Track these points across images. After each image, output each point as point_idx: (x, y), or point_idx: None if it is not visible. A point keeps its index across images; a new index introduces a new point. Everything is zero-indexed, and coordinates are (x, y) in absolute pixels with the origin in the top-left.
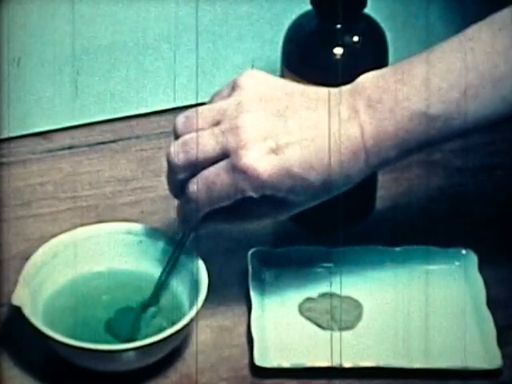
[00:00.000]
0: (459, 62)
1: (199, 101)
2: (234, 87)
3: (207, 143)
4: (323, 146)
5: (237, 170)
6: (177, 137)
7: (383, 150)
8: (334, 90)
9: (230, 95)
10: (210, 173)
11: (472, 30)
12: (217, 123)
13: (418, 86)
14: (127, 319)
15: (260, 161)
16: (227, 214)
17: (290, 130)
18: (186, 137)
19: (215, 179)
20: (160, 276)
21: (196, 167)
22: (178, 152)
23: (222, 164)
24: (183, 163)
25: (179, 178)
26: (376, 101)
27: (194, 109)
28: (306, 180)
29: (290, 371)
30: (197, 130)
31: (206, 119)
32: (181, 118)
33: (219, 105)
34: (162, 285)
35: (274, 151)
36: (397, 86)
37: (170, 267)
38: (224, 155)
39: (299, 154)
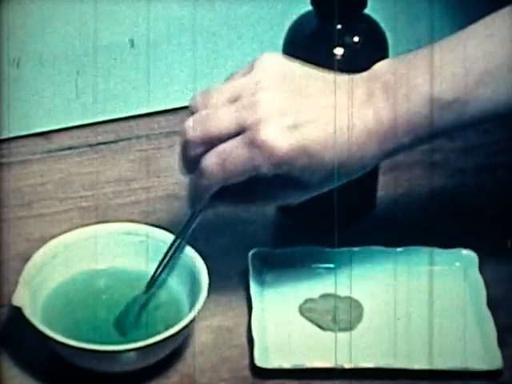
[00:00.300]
0: (475, 49)
1: None
2: (252, 67)
3: (225, 118)
4: (339, 128)
5: (254, 144)
6: (193, 113)
7: (398, 135)
8: (351, 76)
9: (247, 74)
10: (226, 147)
11: (490, 18)
12: (235, 100)
13: (433, 72)
14: (132, 314)
15: (277, 136)
16: (237, 194)
17: (308, 109)
18: (204, 112)
19: (231, 153)
20: (161, 260)
21: (212, 142)
22: (194, 126)
23: (238, 138)
24: (199, 138)
25: (194, 153)
26: (392, 86)
27: (211, 86)
28: (321, 159)
29: (291, 372)
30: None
31: (223, 96)
32: (198, 94)
33: (237, 82)
34: (161, 272)
35: (292, 128)
36: (412, 72)
37: (174, 252)
38: (241, 131)
39: (316, 133)
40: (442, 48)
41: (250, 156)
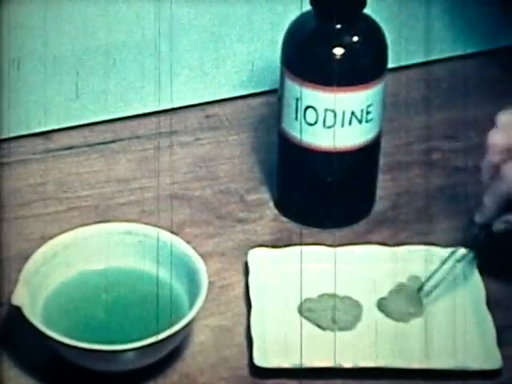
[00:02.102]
0: None
1: (198, 101)
2: None
3: None
4: None
5: None
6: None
7: None
8: None
9: None
10: None
11: None
12: None
13: None
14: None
15: None
16: None
17: None
18: (510, 123)
19: None
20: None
21: None
22: (499, 136)
23: None
24: (502, 146)
25: (494, 159)
26: None
27: None
28: None
29: (290, 371)
30: None
31: None
32: (506, 113)
33: None
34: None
35: None
36: None
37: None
38: None
39: None
40: None
41: None
